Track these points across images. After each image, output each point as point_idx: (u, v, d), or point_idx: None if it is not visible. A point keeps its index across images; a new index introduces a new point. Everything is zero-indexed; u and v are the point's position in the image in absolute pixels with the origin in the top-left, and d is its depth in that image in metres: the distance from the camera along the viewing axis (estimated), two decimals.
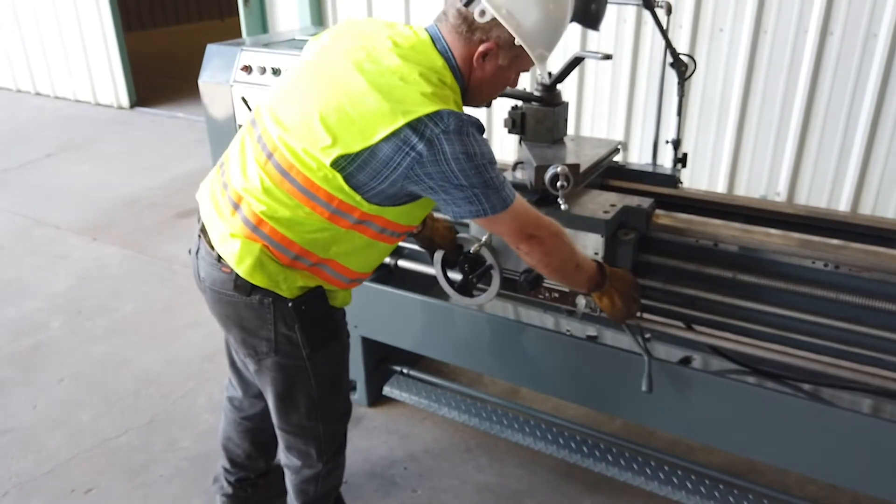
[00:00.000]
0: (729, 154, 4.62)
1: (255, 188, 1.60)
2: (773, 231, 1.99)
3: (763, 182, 4.62)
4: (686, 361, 2.40)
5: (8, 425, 2.90)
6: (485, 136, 1.61)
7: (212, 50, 2.95)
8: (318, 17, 5.82)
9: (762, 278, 1.95)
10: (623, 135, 4.90)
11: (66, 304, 3.82)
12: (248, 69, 2.64)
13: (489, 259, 2.15)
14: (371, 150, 1.49)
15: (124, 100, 7.96)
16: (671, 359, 2.26)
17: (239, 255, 1.62)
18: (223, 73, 2.84)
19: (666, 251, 2.12)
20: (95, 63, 7.95)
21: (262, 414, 2.10)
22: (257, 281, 1.63)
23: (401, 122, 1.46)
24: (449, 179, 1.51)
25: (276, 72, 2.54)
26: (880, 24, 3.96)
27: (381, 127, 1.47)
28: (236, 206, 1.64)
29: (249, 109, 2.57)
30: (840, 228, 2.18)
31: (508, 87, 1.82)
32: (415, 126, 1.47)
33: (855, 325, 1.86)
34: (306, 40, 2.79)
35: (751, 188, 4.68)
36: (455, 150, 1.48)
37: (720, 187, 4.75)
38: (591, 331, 2.46)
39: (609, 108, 4.91)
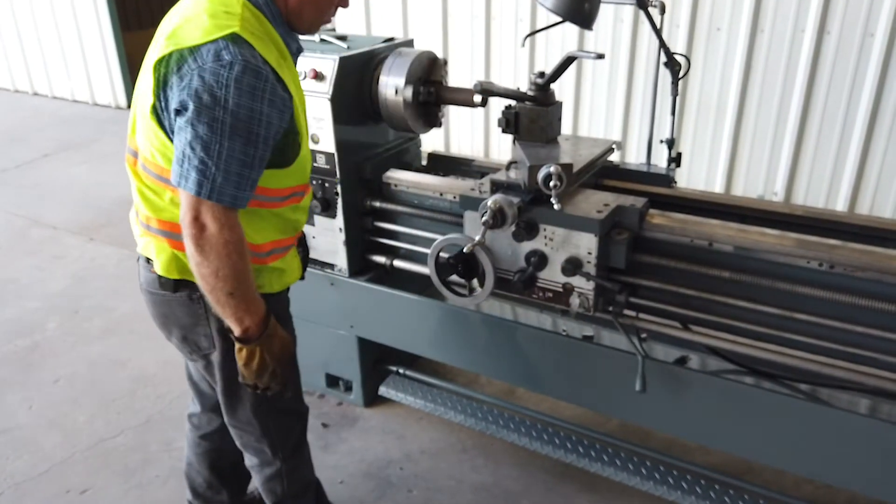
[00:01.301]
0: (726, 154, 4.62)
1: (135, 190, 1.67)
2: (768, 231, 1.98)
3: (760, 182, 4.61)
4: (682, 361, 2.40)
5: (4, 426, 2.89)
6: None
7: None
8: None
9: (757, 278, 1.95)
10: (620, 134, 4.90)
11: (63, 304, 3.82)
12: None
13: (483, 259, 2.15)
14: (166, 98, 1.48)
15: (122, 100, 7.96)
16: (668, 359, 2.26)
17: (154, 254, 1.68)
18: None
19: (660, 251, 2.12)
20: (93, 63, 7.95)
21: (220, 432, 2.08)
22: (175, 275, 1.66)
23: (174, 56, 1.46)
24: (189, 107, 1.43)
25: None
26: (877, 23, 3.96)
27: (170, 75, 1.46)
28: (137, 210, 1.71)
29: None
30: (836, 228, 2.18)
31: (502, 88, 1.80)
32: (179, 60, 1.45)
33: (850, 325, 1.85)
34: (303, 40, 2.79)
35: (748, 188, 4.68)
36: (204, 84, 1.42)
37: (717, 187, 4.75)
38: (588, 330, 2.47)
39: (606, 107, 4.92)
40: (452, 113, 5.54)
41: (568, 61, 2.05)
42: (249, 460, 2.02)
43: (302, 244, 2.02)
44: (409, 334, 2.67)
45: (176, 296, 1.70)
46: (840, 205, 4.39)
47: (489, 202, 2.01)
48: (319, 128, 2.49)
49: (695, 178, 4.77)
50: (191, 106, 1.42)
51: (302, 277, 1.98)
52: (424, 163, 3.02)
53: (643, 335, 2.32)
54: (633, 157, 4.90)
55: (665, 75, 2.45)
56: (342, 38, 2.68)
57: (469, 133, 5.59)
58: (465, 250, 2.05)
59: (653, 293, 2.17)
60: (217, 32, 1.46)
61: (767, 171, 4.56)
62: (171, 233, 1.64)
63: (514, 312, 2.63)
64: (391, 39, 2.73)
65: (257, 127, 1.46)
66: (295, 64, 1.72)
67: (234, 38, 1.45)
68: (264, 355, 1.62)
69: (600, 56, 1.95)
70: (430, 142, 5.69)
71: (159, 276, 1.69)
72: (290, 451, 2.01)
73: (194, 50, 1.45)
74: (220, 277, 1.48)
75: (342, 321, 2.81)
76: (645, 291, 2.18)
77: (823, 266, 1.89)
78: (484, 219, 2.01)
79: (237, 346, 1.61)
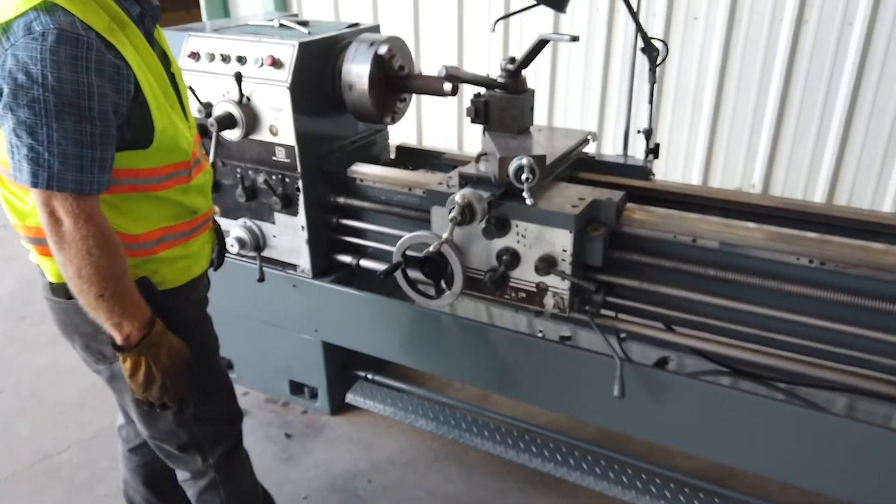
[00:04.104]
0: (703, 145, 4.52)
1: (0, 197, 1.52)
2: (754, 226, 1.87)
3: (738, 173, 4.53)
4: (663, 363, 2.29)
5: None
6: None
7: None
8: (283, 2, 5.61)
9: (744, 276, 1.83)
10: (597, 125, 4.78)
11: (11, 308, 3.60)
12: (195, 56, 2.45)
13: (451, 258, 2.00)
14: None
15: None
16: (648, 360, 2.14)
17: (39, 261, 1.56)
18: None
19: (639, 247, 1.99)
20: None
21: (149, 445, 1.91)
22: (60, 279, 1.49)
23: None
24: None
25: (225, 59, 2.37)
26: (856, 12, 3.88)
27: None
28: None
29: (198, 100, 2.38)
30: (825, 222, 2.08)
31: (471, 75, 1.66)
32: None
33: (842, 325, 1.74)
34: (261, 25, 2.63)
35: (726, 180, 4.59)
36: (20, 59, 1.27)
37: (695, 179, 4.65)
38: (565, 331, 2.34)
39: (582, 97, 4.79)
40: (424, 103, 5.38)
41: (540, 45, 1.91)
42: (181, 475, 1.86)
43: (216, 232, 1.87)
44: (376, 338, 2.52)
45: (70, 302, 1.51)
46: (818, 196, 4.32)
47: (457, 197, 1.87)
48: (278, 119, 2.33)
49: (672, 169, 4.67)
50: (6, 89, 1.28)
51: (214, 267, 1.82)
52: (393, 156, 2.87)
53: (622, 335, 2.20)
54: (610, 148, 4.78)
55: (642, 63, 2.33)
56: (304, 23, 2.51)
57: (441, 124, 5.43)
58: (431, 249, 1.90)
59: (632, 292, 2.04)
60: (28, 3, 1.31)
61: (745, 162, 4.47)
62: (36, 238, 1.49)
63: (488, 313, 2.50)
64: (356, 25, 2.57)
65: (88, 101, 1.30)
66: (147, 31, 1.53)
67: (46, 7, 1.30)
68: (150, 366, 1.47)
69: (574, 38, 1.81)
70: (402, 134, 5.52)
71: (50, 283, 1.56)
72: (223, 457, 1.84)
73: (6, 28, 1.30)
74: (85, 278, 1.34)
75: (306, 325, 2.65)
76: (623, 290, 2.06)
77: (814, 262, 1.78)
78: (451, 215, 1.87)
79: (120, 356, 1.46)
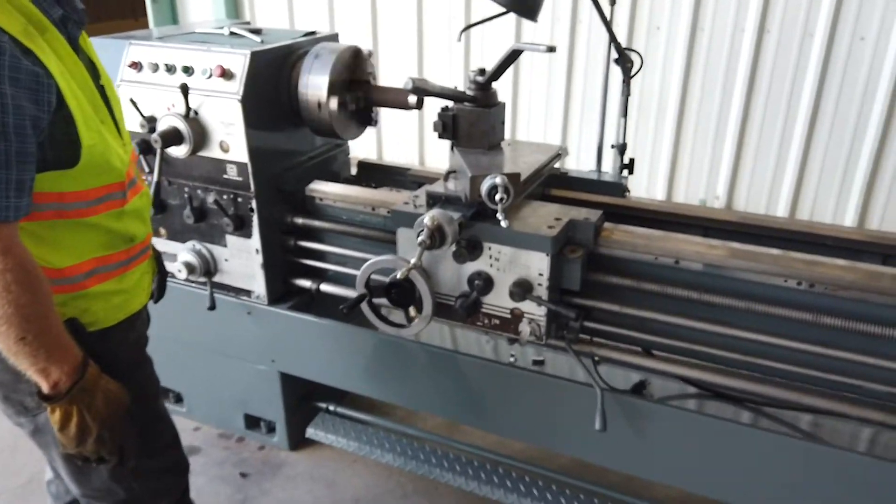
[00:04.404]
0: (667, 158, 4.48)
1: None
2: (739, 246, 1.77)
3: (702, 186, 4.50)
4: (641, 386, 2.18)
5: None
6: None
7: (95, 45, 2.54)
8: (234, 10, 5.39)
9: (730, 299, 1.73)
10: (560, 138, 4.70)
11: None
12: (137, 66, 2.26)
13: (420, 284, 1.86)
14: None
15: None
16: (624, 384, 2.03)
17: None
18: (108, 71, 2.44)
19: (619, 270, 1.88)
20: None
21: None
22: None
23: None
24: None
25: (170, 69, 2.18)
26: (816, 22, 3.89)
27: None
28: None
29: (141, 114, 2.19)
30: (805, 241, 2.00)
31: (439, 87, 1.53)
32: None
33: (832, 350, 1.66)
34: (210, 33, 2.45)
35: (690, 193, 4.56)
36: None
37: (659, 192, 4.61)
38: (537, 354, 2.22)
39: (545, 110, 4.71)
40: (385, 116, 5.22)
41: (513, 55, 1.79)
42: None
43: (156, 260, 1.69)
44: (338, 368, 2.35)
45: None
46: (781, 209, 4.32)
47: (426, 219, 1.73)
48: (229, 134, 2.15)
49: (636, 183, 4.60)
50: None
51: (154, 299, 1.65)
52: (354, 172, 2.71)
53: (595, 358, 2.08)
54: (574, 163, 4.71)
55: (613, 73, 2.23)
56: (256, 31, 2.34)
57: (403, 137, 5.28)
58: (398, 275, 1.75)
59: (611, 316, 1.93)
60: None
61: (709, 175, 4.45)
62: None
63: (452, 336, 2.36)
64: (312, 33, 2.41)
65: (1, 114, 1.13)
66: (71, 36, 1.36)
67: None
68: (84, 415, 1.30)
69: (551, 49, 1.70)
70: (361, 148, 5.36)
71: None
72: None
73: None
74: (3, 319, 1.17)
75: (262, 355, 2.47)
76: (602, 314, 1.94)
77: (803, 285, 1.69)
78: (420, 239, 1.73)
79: (47, 406, 1.29)
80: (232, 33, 2.34)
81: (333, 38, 2.44)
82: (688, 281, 1.81)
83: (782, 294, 1.71)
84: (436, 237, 1.74)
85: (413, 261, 1.75)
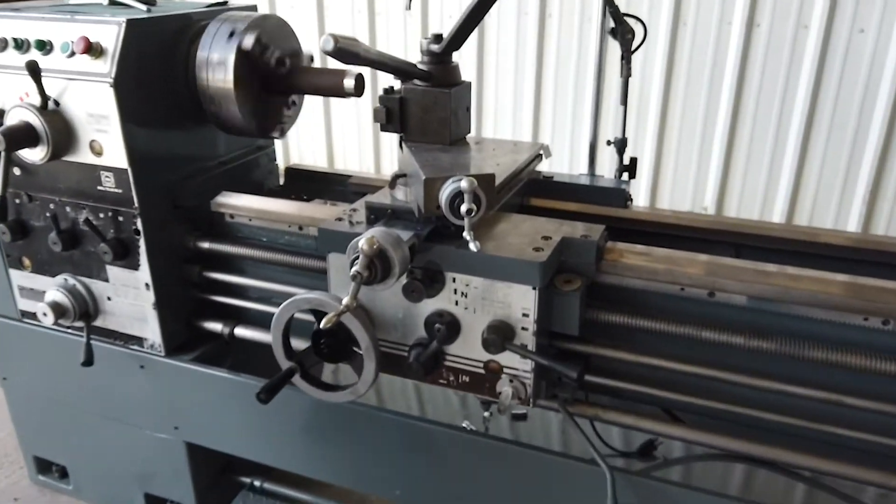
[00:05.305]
0: (650, 162, 4.05)
1: None
2: (795, 271, 1.28)
3: (688, 194, 4.07)
4: (650, 447, 1.71)
5: None
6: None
7: None
8: None
9: (787, 344, 1.24)
10: (531, 133, 4.18)
11: None
12: None
13: (357, 331, 1.33)
14: None
15: None
16: (627, 445, 1.54)
17: None
18: None
19: (631, 305, 1.38)
20: None
21: None
22: None
23: None
24: None
25: (20, 45, 1.63)
26: (811, 13, 3.50)
27: None
28: None
29: None
30: (860, 258, 1.53)
31: (376, 53, 1.01)
32: None
33: None
34: (85, 4, 1.89)
35: (675, 201, 4.13)
36: None
37: (641, 200, 4.16)
38: (520, 408, 1.72)
39: (514, 99, 4.15)
40: (335, 110, 4.60)
41: (480, 10, 1.27)
42: None
43: None
44: (260, 439, 1.81)
45: None
46: (776, 216, 3.91)
47: (361, 242, 1.20)
48: (102, 130, 1.60)
49: None
50: None
51: None
52: (283, 181, 2.17)
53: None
54: (553, 165, 4.21)
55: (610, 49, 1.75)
56: (150, 1, 1.79)
57: (356, 140, 4.69)
58: (322, 325, 1.22)
59: (620, 367, 1.43)
60: None
61: (696, 181, 4.02)
62: None
63: (413, 390, 1.83)
64: (223, 3, 1.88)
65: None
66: None
67: None
68: None
69: None
70: (311, 155, 4.79)
71: None
72: None
73: None
74: None
75: (162, 420, 1.90)
76: (607, 364, 1.44)
77: (890, 325, 1.20)
78: (353, 270, 1.20)
79: None
80: (113, 2, 1.79)
81: (252, 9, 1.91)
82: (726, 319, 1.31)
83: (859, 336, 1.23)
84: (376, 267, 1.22)
85: (345, 301, 1.22)
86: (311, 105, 4.38)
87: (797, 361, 1.25)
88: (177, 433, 1.90)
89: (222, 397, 1.80)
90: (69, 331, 1.87)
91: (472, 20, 1.28)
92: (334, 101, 4.40)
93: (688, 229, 1.60)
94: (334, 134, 4.68)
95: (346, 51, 1.16)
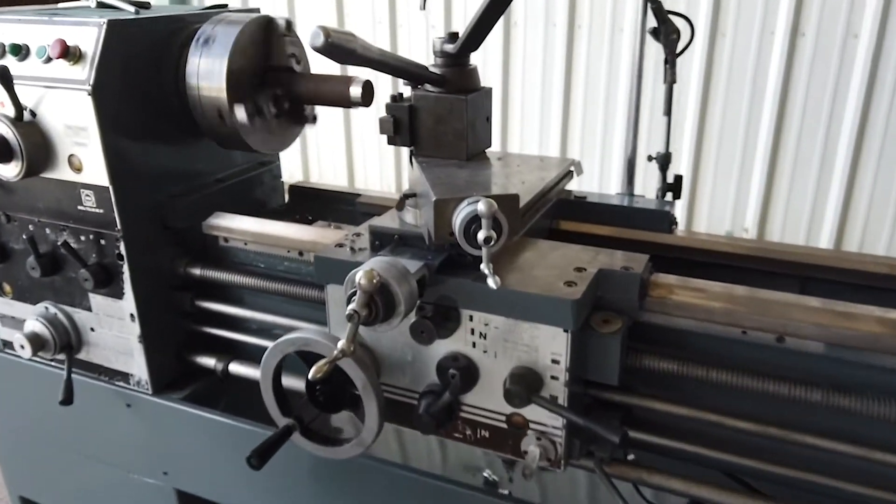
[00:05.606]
0: (686, 182, 3.80)
1: None
2: (882, 312, 1.05)
3: (728, 215, 3.82)
4: None
5: None
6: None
7: None
8: None
9: (873, 402, 1.01)
10: (559, 149, 3.97)
11: None
12: None
13: (357, 376, 1.14)
14: None
15: None
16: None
17: None
18: None
19: (681, 350, 1.17)
20: None
21: None
22: None
23: None
24: None
25: (16, 50, 1.49)
26: (861, 21, 3.27)
27: None
28: None
29: None
30: None
31: (377, 51, 0.82)
32: None
33: None
34: (73, 7, 1.74)
35: (713, 224, 3.88)
36: None
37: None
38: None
39: (541, 111, 3.95)
40: (355, 123, 4.40)
41: (498, 5, 1.08)
42: None
43: None
44: (257, 488, 1.61)
45: None
46: (823, 242, 3.64)
47: (359, 276, 1.00)
48: (81, 143, 1.44)
49: None
50: None
51: None
52: (287, 200, 2.00)
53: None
54: (583, 182, 4.01)
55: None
56: (142, 4, 1.64)
57: (376, 155, 4.49)
58: (311, 375, 1.02)
59: (668, 421, 1.21)
60: None
61: (735, 202, 3.78)
62: None
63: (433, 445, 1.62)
64: (223, 6, 1.72)
65: None
66: None
67: None
68: None
69: None
70: (332, 170, 4.59)
71: None
72: None
73: None
74: None
75: (150, 465, 1.73)
76: (651, 418, 1.22)
77: None
78: (349, 309, 1.01)
79: None
80: (101, 4, 1.64)
81: (254, 11, 1.74)
82: (799, 370, 1.09)
83: None
84: (377, 305, 1.02)
85: (340, 345, 1.02)
86: (332, 117, 4.23)
87: (887, 423, 1.02)
88: (166, 479, 1.72)
89: (215, 442, 1.62)
90: (52, 363, 1.70)
91: (490, 15, 1.08)
92: (354, 113, 4.23)
93: (745, 259, 1.37)
94: (355, 148, 4.51)
95: (339, 47, 0.97)
